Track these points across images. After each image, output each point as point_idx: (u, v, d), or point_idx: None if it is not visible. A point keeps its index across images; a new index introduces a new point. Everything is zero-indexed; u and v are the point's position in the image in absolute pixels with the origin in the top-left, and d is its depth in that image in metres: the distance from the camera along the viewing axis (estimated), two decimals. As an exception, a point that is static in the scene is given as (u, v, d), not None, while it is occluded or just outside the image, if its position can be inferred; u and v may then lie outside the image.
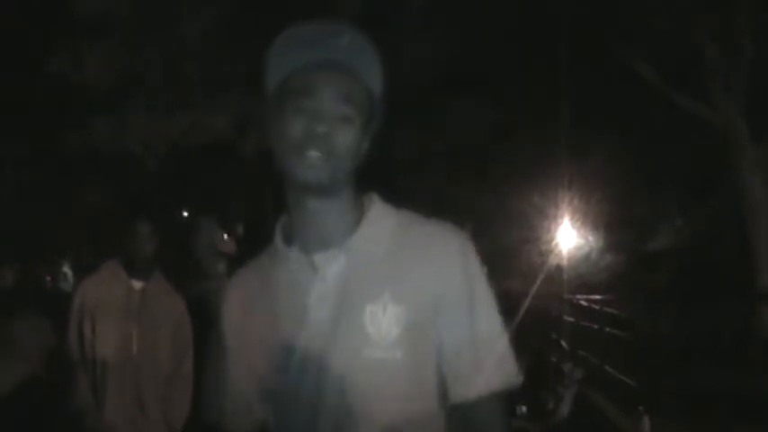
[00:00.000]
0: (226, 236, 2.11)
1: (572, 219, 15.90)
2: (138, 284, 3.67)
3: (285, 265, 1.50)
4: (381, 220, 1.50)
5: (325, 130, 1.39)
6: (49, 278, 20.53)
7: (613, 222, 14.90)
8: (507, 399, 1.46)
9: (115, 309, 3.59)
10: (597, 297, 11.68)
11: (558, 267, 15.25)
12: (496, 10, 10.31)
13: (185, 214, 17.39)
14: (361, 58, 1.45)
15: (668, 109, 10.57)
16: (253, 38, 11.17)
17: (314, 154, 1.39)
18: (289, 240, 1.51)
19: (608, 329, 10.18)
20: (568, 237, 16.57)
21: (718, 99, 10.08)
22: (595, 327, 10.72)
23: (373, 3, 10.51)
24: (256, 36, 11.29)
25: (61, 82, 11.71)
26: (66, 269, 20.82)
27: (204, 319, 2.31)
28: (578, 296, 12.74)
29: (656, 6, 9.63)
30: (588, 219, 15.22)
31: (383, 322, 1.40)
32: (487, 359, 1.43)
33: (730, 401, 7.19)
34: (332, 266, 1.45)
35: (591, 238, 16.13)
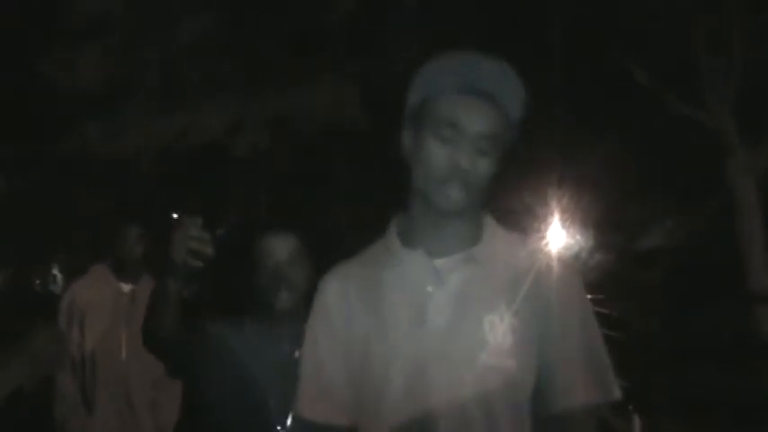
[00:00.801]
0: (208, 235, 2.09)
1: (562, 218, 15.93)
2: (126, 287, 3.66)
3: (403, 266, 1.51)
4: (498, 235, 1.55)
5: (468, 166, 1.44)
6: (38, 281, 20.46)
7: (604, 222, 14.92)
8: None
9: (104, 312, 3.58)
10: (588, 297, 11.67)
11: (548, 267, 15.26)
12: (493, 10, 10.33)
13: (175, 216, 17.35)
14: (505, 86, 1.47)
15: (660, 110, 10.60)
16: (249, 39, 11.19)
17: (455, 189, 1.45)
18: (407, 243, 1.53)
19: (601, 330, 10.17)
20: (558, 236, 16.60)
21: (711, 101, 10.11)
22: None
23: (369, 2, 10.51)
24: (252, 37, 11.31)
25: (53, 83, 11.67)
26: (56, 272, 20.75)
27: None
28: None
29: (650, 9, 9.66)
30: (578, 218, 15.25)
31: (500, 331, 1.43)
32: (586, 373, 1.47)
33: (723, 402, 7.21)
34: (454, 273, 1.48)
35: (581, 238, 16.15)
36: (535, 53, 10.92)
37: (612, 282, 15.12)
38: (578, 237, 16.10)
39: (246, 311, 2.38)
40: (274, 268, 2.27)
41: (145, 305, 3.50)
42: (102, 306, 3.59)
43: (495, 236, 1.55)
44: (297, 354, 2.18)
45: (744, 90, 9.90)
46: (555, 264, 1.52)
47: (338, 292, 1.58)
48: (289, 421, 2.04)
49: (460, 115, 1.45)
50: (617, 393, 1.50)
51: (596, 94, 11.26)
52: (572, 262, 1.61)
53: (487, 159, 1.46)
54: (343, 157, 14.06)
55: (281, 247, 2.29)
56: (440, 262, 1.49)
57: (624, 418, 6.38)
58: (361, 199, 14.11)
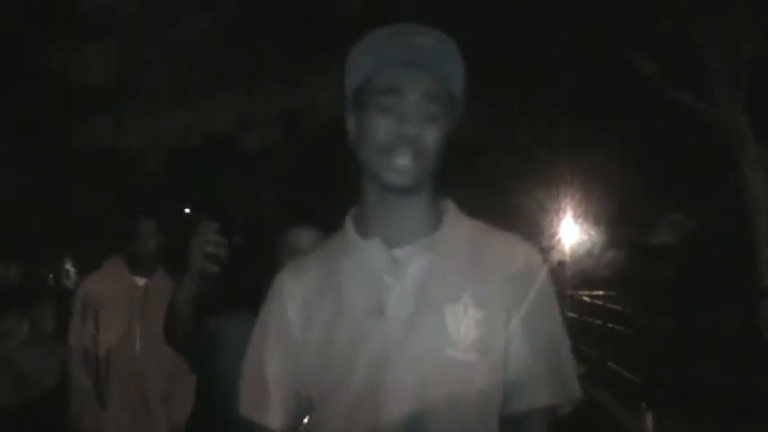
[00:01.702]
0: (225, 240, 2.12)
1: (574, 215, 15.92)
2: (140, 281, 3.67)
3: (360, 257, 1.46)
4: (459, 223, 1.49)
5: (415, 132, 1.38)
6: (51, 275, 20.57)
7: (616, 218, 14.90)
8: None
9: (118, 306, 3.59)
10: (600, 293, 11.68)
11: (561, 263, 15.27)
12: (498, 8, 10.31)
13: (187, 211, 17.41)
14: (445, 60, 1.42)
15: (671, 106, 10.56)
16: (254, 35, 11.20)
17: (403, 157, 1.38)
18: (364, 233, 1.48)
19: (610, 325, 10.17)
20: (571, 233, 16.59)
21: (720, 97, 10.07)
22: (598, 323, 10.73)
23: (370, 2, 10.48)
24: (257, 33, 11.33)
25: (61, 80, 11.70)
26: (69, 266, 20.87)
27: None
28: (581, 292, 12.74)
29: (660, 6, 9.61)
30: (590, 215, 15.23)
31: (462, 323, 1.37)
32: (549, 373, 1.41)
33: (731, 399, 7.19)
34: (414, 262, 1.42)
35: (593, 234, 16.14)
36: (544, 52, 10.90)
37: (622, 278, 15.12)
38: (588, 233, 16.09)
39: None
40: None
41: (159, 298, 3.53)
42: (116, 300, 3.60)
43: (456, 223, 1.49)
44: None
45: (755, 86, 9.85)
46: (520, 253, 1.46)
47: (292, 286, 1.52)
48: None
49: (402, 82, 1.40)
50: (578, 393, 1.44)
51: (607, 92, 11.23)
52: (535, 251, 1.47)
53: (436, 126, 1.40)
54: (348, 154, 14.07)
55: (304, 242, 2.30)
56: (398, 251, 1.44)
57: (635, 416, 6.39)
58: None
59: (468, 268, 1.42)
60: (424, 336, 1.37)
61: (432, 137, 1.39)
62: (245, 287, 2.36)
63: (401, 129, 1.38)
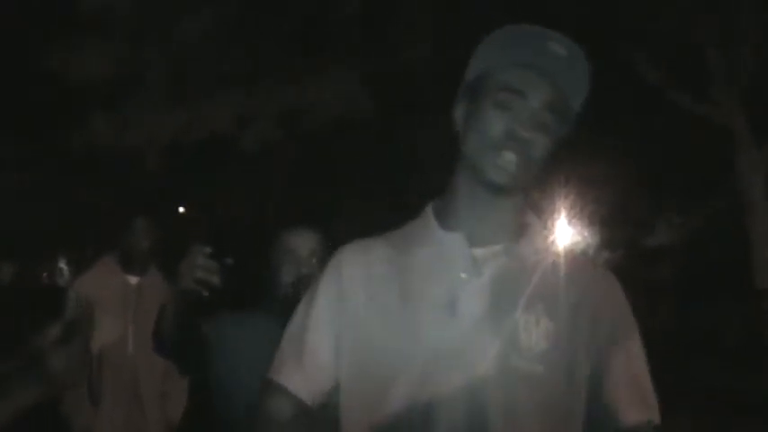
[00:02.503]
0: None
1: (569, 215, 15.92)
2: (134, 280, 3.67)
3: (439, 248, 1.43)
4: (543, 233, 1.48)
5: (528, 135, 1.36)
6: (45, 274, 20.55)
7: (611, 219, 14.91)
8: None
9: (111, 304, 3.57)
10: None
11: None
12: (500, 6, 10.31)
13: (181, 210, 17.39)
14: (574, 73, 1.42)
15: (668, 106, 10.56)
16: (254, 34, 11.18)
17: (511, 156, 1.36)
18: (446, 226, 1.45)
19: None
20: (565, 233, 16.59)
21: (719, 97, 10.07)
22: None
23: (370, 2, 10.48)
24: (257, 33, 11.30)
25: (59, 80, 11.68)
26: (62, 265, 20.83)
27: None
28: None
29: (657, 5, 9.61)
30: (586, 215, 15.24)
31: (533, 333, 1.34)
32: (635, 394, 1.38)
33: (731, 398, 7.20)
34: (492, 264, 1.40)
35: (588, 235, 16.14)
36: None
37: (619, 279, 15.14)
38: (585, 234, 16.10)
39: (260, 306, 2.37)
40: (297, 264, 2.26)
41: (152, 297, 3.51)
42: (109, 298, 3.58)
43: (539, 230, 1.48)
44: None
45: (754, 87, 9.86)
46: (599, 273, 1.46)
47: (357, 264, 1.48)
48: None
49: (525, 83, 1.38)
50: (658, 416, 1.42)
51: (604, 92, 11.22)
52: (615, 278, 1.48)
53: (546, 136, 1.39)
54: (352, 152, 14.06)
55: (304, 243, 2.28)
56: (479, 250, 1.41)
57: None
58: (368, 194, 14.12)
59: (546, 280, 1.38)
60: (490, 339, 1.33)
61: (541, 145, 1.38)
62: (241, 288, 2.35)
63: (516, 129, 1.36)
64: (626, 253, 16.03)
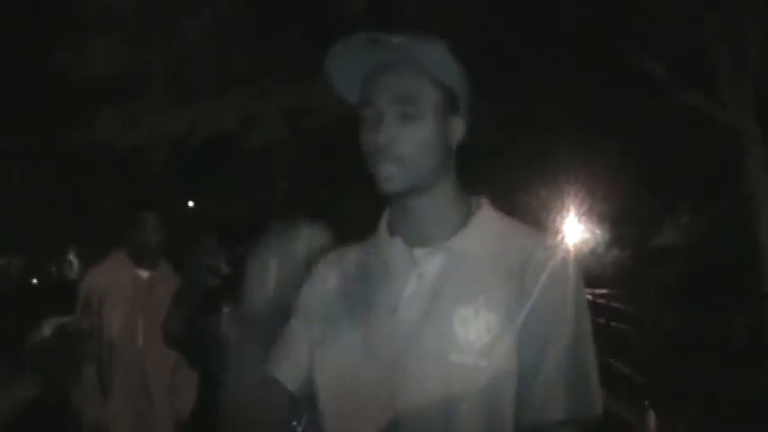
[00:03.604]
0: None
1: (578, 213, 15.90)
2: (144, 274, 3.68)
3: (383, 254, 1.47)
4: (487, 224, 1.45)
5: (386, 139, 1.36)
6: (53, 268, 20.62)
7: (620, 217, 14.89)
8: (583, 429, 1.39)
9: (122, 298, 3.59)
10: (603, 291, 11.69)
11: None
12: (505, 8, 10.29)
13: (191, 204, 17.44)
14: (422, 50, 1.37)
15: (677, 106, 10.54)
16: (256, 34, 11.19)
17: (384, 166, 1.37)
18: (392, 231, 1.48)
19: (614, 324, 10.18)
20: (574, 231, 16.58)
21: (727, 98, 10.04)
22: (600, 321, 10.74)
23: (376, 2, 10.47)
24: (260, 32, 11.31)
25: (67, 76, 11.73)
26: (71, 257, 20.91)
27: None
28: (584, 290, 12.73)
29: (664, 5, 9.59)
30: (594, 214, 15.22)
31: (473, 327, 1.33)
32: (567, 384, 1.34)
33: (734, 398, 7.19)
34: (430, 263, 1.41)
35: (597, 233, 16.13)
36: (548, 52, 10.89)
37: (626, 277, 15.12)
38: (593, 233, 16.08)
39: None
40: (299, 260, 2.26)
41: (162, 291, 3.53)
42: (119, 292, 3.60)
43: (485, 223, 1.45)
44: None
45: (762, 87, 9.83)
46: (550, 258, 1.37)
47: (327, 272, 1.56)
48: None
49: (369, 89, 1.39)
50: (599, 410, 1.38)
51: (612, 92, 11.22)
52: (571, 257, 1.39)
53: (417, 124, 1.37)
54: (356, 152, 14.08)
55: (307, 239, 2.28)
56: (418, 251, 1.42)
57: (638, 414, 6.38)
58: (374, 193, 14.14)
59: (487, 271, 1.37)
60: (431, 338, 1.35)
61: (411, 139, 1.36)
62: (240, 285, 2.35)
63: (375, 138, 1.36)
64: (634, 252, 16.02)
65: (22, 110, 13.52)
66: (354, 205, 14.82)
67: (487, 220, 1.46)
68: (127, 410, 3.57)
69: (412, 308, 1.38)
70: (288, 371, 1.52)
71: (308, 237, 2.28)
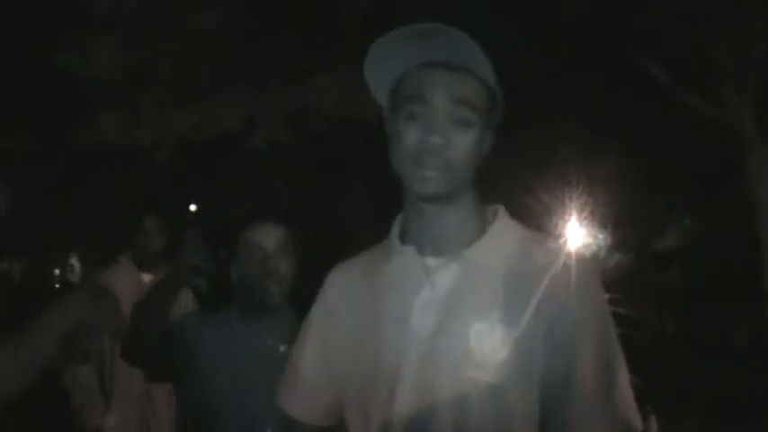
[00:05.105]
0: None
1: (580, 216, 15.89)
2: (147, 277, 3.68)
3: (395, 264, 1.42)
4: (504, 234, 1.40)
5: (441, 142, 1.31)
6: (57, 270, 20.61)
7: (622, 221, 14.87)
8: None
9: (124, 302, 3.58)
10: (605, 296, 11.66)
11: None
12: (507, 8, 10.30)
13: (193, 207, 17.44)
14: (470, 53, 1.32)
15: (678, 108, 10.54)
16: (262, 33, 11.20)
17: (430, 168, 1.31)
18: (404, 239, 1.43)
19: (616, 328, 10.15)
20: (576, 235, 16.55)
21: (729, 99, 10.04)
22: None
23: (380, 1, 10.48)
24: (266, 31, 11.33)
25: (69, 76, 11.74)
26: (74, 261, 20.90)
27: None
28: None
29: (667, 7, 9.59)
30: (596, 217, 15.21)
31: (488, 342, 1.28)
32: (606, 405, 1.28)
33: (738, 402, 7.18)
34: (444, 273, 1.36)
35: (599, 237, 16.10)
36: (550, 52, 10.90)
37: (628, 281, 15.09)
38: (595, 236, 16.06)
39: (229, 305, 2.33)
40: (263, 260, 2.21)
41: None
42: (122, 296, 3.60)
43: (501, 233, 1.40)
44: (282, 347, 2.15)
45: (763, 87, 9.84)
46: (571, 270, 1.31)
47: (339, 286, 1.51)
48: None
49: (427, 86, 1.32)
50: (638, 425, 1.34)
51: (614, 93, 11.22)
52: (593, 268, 1.36)
53: (469, 131, 1.32)
54: (359, 151, 14.07)
55: (269, 239, 2.23)
56: (431, 261, 1.38)
57: (641, 418, 6.36)
58: (376, 194, 14.14)
59: (504, 283, 1.32)
60: (444, 352, 1.30)
61: (462, 144, 1.32)
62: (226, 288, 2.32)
63: (427, 138, 1.31)
64: (636, 255, 16.00)
65: (24, 110, 13.52)
66: (354, 206, 14.84)
67: (504, 231, 1.41)
68: (129, 415, 3.58)
69: (424, 319, 1.34)
70: (302, 407, 1.51)
71: (275, 235, 2.24)
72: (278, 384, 1.56)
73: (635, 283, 14.65)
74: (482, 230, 1.40)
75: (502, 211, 1.45)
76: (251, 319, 2.24)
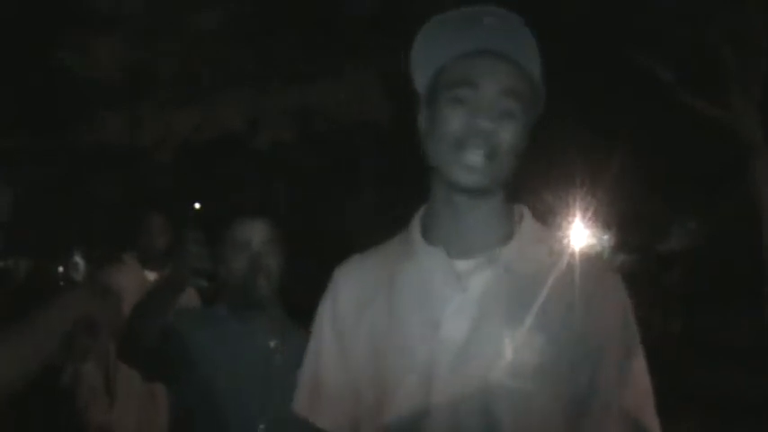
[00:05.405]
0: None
1: (584, 218, 15.87)
2: (152, 276, 3.70)
3: (421, 263, 1.34)
4: (534, 236, 1.35)
5: (491, 127, 1.26)
6: (61, 269, 20.62)
7: (626, 222, 14.86)
8: None
9: (129, 300, 3.59)
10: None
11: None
12: (515, 8, 10.31)
13: (197, 206, 17.46)
14: (520, 42, 1.29)
15: (679, 108, 10.53)
16: (266, 34, 11.20)
17: (475, 153, 1.26)
18: (429, 238, 1.36)
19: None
20: (580, 236, 16.54)
21: (734, 101, 10.03)
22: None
23: (386, 2, 10.47)
24: (270, 32, 11.35)
25: (73, 76, 11.75)
26: (78, 259, 20.90)
27: None
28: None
29: (672, 8, 9.58)
30: (601, 218, 15.19)
31: (523, 348, 1.24)
32: (622, 415, 1.25)
33: (742, 403, 7.17)
34: (476, 277, 1.30)
35: (603, 238, 16.08)
36: (555, 54, 10.91)
37: (631, 282, 15.08)
38: (599, 237, 16.04)
39: (217, 301, 2.32)
40: (251, 255, 2.19)
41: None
42: (127, 295, 3.62)
43: (530, 235, 1.35)
44: (272, 344, 2.15)
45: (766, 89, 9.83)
46: (600, 279, 1.30)
47: (348, 284, 1.42)
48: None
49: (478, 72, 1.27)
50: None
51: (618, 95, 11.20)
52: (619, 276, 1.33)
53: (514, 123, 1.28)
54: (365, 151, 14.06)
55: (257, 234, 2.22)
56: (462, 263, 1.31)
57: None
58: (382, 192, 14.13)
59: (538, 289, 1.27)
60: (478, 358, 1.26)
61: (508, 134, 1.27)
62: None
63: (475, 122, 1.26)
64: (639, 257, 15.98)
65: (24, 110, 13.53)
66: (355, 207, 14.83)
67: (532, 232, 1.36)
68: (132, 411, 3.59)
69: (456, 324, 1.28)
70: (325, 412, 1.41)
71: (263, 231, 2.24)
72: (297, 393, 1.46)
73: (638, 285, 14.64)
74: (510, 231, 1.35)
75: (527, 212, 1.40)
76: (240, 315, 2.23)
